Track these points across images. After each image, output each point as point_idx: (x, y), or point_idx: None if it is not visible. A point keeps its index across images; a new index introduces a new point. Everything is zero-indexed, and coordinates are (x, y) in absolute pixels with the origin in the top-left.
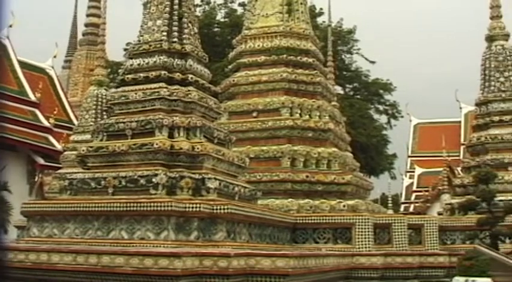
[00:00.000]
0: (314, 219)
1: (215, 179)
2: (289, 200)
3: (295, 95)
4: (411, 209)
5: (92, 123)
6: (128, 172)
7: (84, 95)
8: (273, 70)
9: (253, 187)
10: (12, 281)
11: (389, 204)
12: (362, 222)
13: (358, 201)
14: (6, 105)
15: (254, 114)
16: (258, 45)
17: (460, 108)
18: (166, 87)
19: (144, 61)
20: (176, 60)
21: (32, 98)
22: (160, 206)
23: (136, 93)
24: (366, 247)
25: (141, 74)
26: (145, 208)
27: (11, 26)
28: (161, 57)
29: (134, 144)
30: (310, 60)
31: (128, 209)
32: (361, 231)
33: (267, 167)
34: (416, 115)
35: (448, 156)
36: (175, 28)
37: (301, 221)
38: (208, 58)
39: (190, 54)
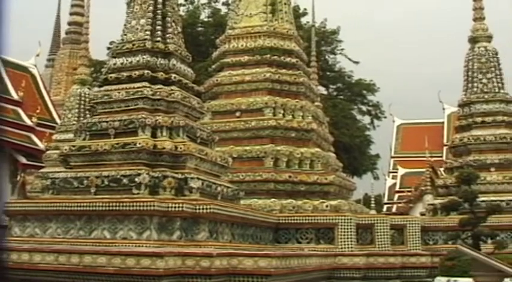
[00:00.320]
0: (297, 219)
1: (198, 178)
2: (272, 200)
3: (279, 95)
4: (394, 210)
5: (74, 122)
6: (110, 171)
7: (67, 94)
8: (257, 70)
9: (236, 187)
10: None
11: (372, 205)
12: (345, 222)
13: (340, 201)
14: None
15: (237, 114)
16: (242, 45)
17: (443, 109)
18: (149, 87)
19: (127, 60)
20: (159, 59)
21: (15, 96)
22: (143, 206)
23: (119, 93)
24: (348, 247)
25: (124, 73)
26: (127, 208)
27: None
28: (144, 57)
29: (117, 144)
30: (294, 60)
31: (111, 208)
32: (344, 232)
33: (249, 167)
34: (400, 116)
35: (431, 157)
36: (158, 27)
37: (283, 221)
38: (192, 58)
39: (174, 54)
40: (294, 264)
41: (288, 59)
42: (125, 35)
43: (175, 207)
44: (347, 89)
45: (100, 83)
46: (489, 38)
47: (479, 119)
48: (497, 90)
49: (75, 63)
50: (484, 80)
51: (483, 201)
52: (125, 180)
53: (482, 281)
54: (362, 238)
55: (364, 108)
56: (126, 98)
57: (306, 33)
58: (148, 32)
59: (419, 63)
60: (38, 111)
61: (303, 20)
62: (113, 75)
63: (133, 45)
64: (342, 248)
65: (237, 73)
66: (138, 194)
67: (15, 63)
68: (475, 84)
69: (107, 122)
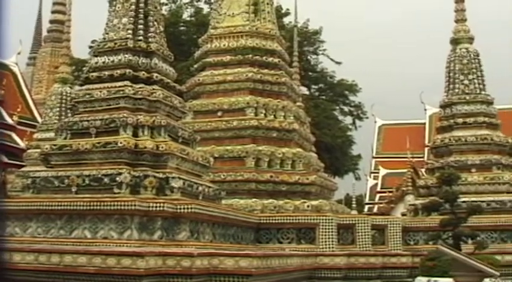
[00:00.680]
0: (278, 219)
1: (179, 178)
2: (253, 200)
3: (261, 95)
4: (375, 210)
5: (56, 121)
6: (91, 171)
7: (49, 92)
8: (239, 70)
9: (217, 187)
10: None
11: (354, 205)
12: (326, 222)
13: (322, 201)
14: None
15: (219, 113)
16: (224, 45)
17: (425, 110)
18: (131, 86)
19: (109, 59)
20: (141, 58)
21: None
22: (124, 205)
23: (100, 92)
24: (329, 247)
25: (106, 72)
26: (108, 207)
27: None
28: (126, 56)
29: (98, 143)
30: (276, 60)
31: (91, 208)
32: (325, 232)
33: (231, 167)
34: (382, 116)
35: (413, 157)
36: (140, 26)
37: (265, 221)
38: (174, 57)
39: (156, 53)
40: (275, 264)
41: (270, 59)
42: (107, 33)
43: (156, 206)
44: (329, 90)
45: (81, 82)
46: (471, 40)
47: (460, 120)
48: (478, 92)
49: (57, 61)
50: (466, 82)
51: (464, 201)
52: (106, 180)
53: (463, 281)
54: (343, 238)
55: (346, 108)
56: (108, 97)
57: (289, 34)
58: (130, 31)
59: (402, 64)
60: (19, 109)
61: (286, 20)
62: (95, 74)
63: (115, 44)
64: (323, 248)
65: (219, 73)
66: (119, 193)
67: None
68: (457, 86)
69: (88, 121)
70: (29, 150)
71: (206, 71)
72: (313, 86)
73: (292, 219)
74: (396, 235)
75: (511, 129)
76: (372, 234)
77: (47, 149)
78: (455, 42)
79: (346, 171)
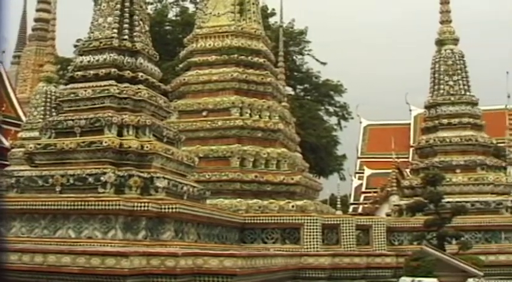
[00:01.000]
0: (262, 220)
1: (164, 178)
2: (238, 199)
3: (246, 95)
4: (360, 210)
5: (40, 120)
6: (76, 170)
7: (33, 91)
8: (224, 70)
9: (202, 187)
10: None
11: (338, 205)
12: (310, 222)
13: (306, 201)
14: None
15: (204, 113)
16: (209, 45)
17: (410, 110)
18: (116, 85)
19: (94, 58)
20: (126, 58)
21: None
22: (108, 205)
23: (85, 91)
24: (314, 247)
25: (91, 71)
26: (93, 207)
27: None
28: (111, 55)
29: (83, 142)
30: (261, 60)
31: (76, 207)
32: (310, 232)
33: (216, 167)
34: (367, 117)
35: (397, 158)
36: (126, 25)
37: (249, 221)
38: (159, 56)
39: (141, 52)
40: (259, 264)
41: (255, 59)
42: (92, 32)
43: (140, 206)
44: (314, 90)
45: (66, 81)
46: (456, 41)
47: (445, 121)
48: (463, 93)
49: (42, 60)
50: (451, 82)
51: (448, 202)
52: (90, 179)
53: (447, 281)
54: (328, 238)
55: (331, 109)
56: (93, 96)
57: (274, 34)
58: (115, 30)
59: (387, 64)
60: (3, 108)
61: (271, 20)
62: (80, 73)
63: (100, 43)
64: (307, 248)
65: (204, 72)
66: (103, 193)
67: None
68: (442, 87)
69: (72, 120)
70: (13, 150)
71: (191, 70)
72: (298, 86)
73: (277, 219)
74: (381, 235)
75: (495, 130)
76: (357, 234)
77: (31, 148)
78: (440, 43)
79: (331, 172)
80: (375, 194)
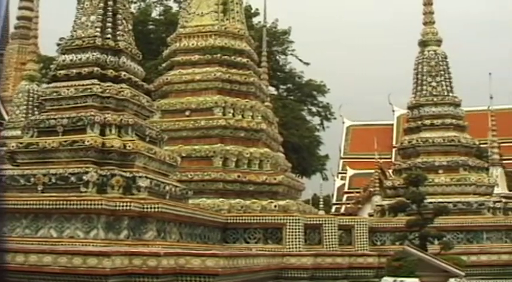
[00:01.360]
0: (245, 219)
1: (146, 177)
2: (221, 199)
3: (229, 94)
4: (342, 210)
5: (22, 119)
6: (58, 169)
7: (16, 90)
8: (207, 69)
9: (184, 186)
10: None
11: (321, 205)
12: (293, 222)
13: (289, 201)
14: None
15: (187, 113)
16: (193, 44)
17: (393, 111)
18: (98, 84)
19: (76, 57)
20: (109, 57)
21: None
22: (90, 204)
23: (68, 90)
24: (296, 247)
25: (74, 70)
26: (75, 206)
27: None
28: (94, 54)
29: (65, 141)
30: (245, 60)
31: (58, 207)
32: (292, 232)
33: (198, 166)
34: (350, 117)
35: (380, 158)
36: (109, 24)
37: (232, 221)
38: (143, 56)
39: (124, 51)
40: (241, 264)
41: (238, 59)
42: (75, 31)
43: (123, 206)
44: (297, 90)
45: (49, 80)
46: (439, 42)
47: (428, 122)
48: (446, 94)
49: (24, 58)
50: (434, 83)
51: (430, 202)
52: (72, 178)
53: (428, 281)
54: (310, 238)
55: (314, 109)
56: (75, 95)
57: (257, 33)
58: (98, 29)
59: (370, 65)
60: None
61: (255, 20)
62: (62, 71)
63: (83, 41)
64: (289, 248)
65: (188, 72)
66: (85, 192)
67: None
68: (425, 87)
69: (55, 119)
70: None
71: (174, 70)
72: (281, 86)
73: (259, 219)
74: (363, 235)
75: (478, 131)
76: (339, 234)
77: (13, 147)
78: (423, 44)
79: (313, 172)
80: (358, 194)
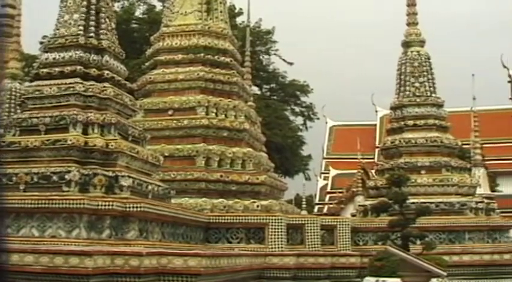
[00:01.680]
0: (227, 219)
1: (129, 176)
2: (203, 199)
3: (212, 94)
4: (325, 210)
5: (5, 117)
6: (40, 168)
7: None
8: (190, 69)
9: (167, 186)
10: None
11: (303, 205)
12: (275, 222)
13: (271, 201)
14: None
15: (170, 112)
16: (176, 43)
17: (376, 111)
18: (81, 83)
19: (59, 55)
20: (92, 55)
21: None
22: (73, 204)
23: (50, 88)
24: (278, 247)
25: (56, 69)
26: (57, 205)
27: None
28: (77, 52)
29: (47, 140)
30: (228, 59)
31: (40, 206)
32: (274, 232)
33: (181, 166)
34: (334, 117)
35: (363, 158)
36: (92, 23)
37: (214, 221)
38: (126, 54)
39: (107, 50)
40: (223, 264)
41: (222, 59)
42: (58, 29)
43: (105, 205)
44: (280, 90)
45: (31, 78)
46: (422, 43)
47: (411, 122)
48: (429, 94)
49: (7, 56)
50: (417, 84)
51: (413, 203)
52: (54, 178)
53: (410, 281)
54: (292, 238)
55: (297, 109)
56: (58, 93)
57: (241, 33)
58: (81, 27)
59: (354, 65)
60: None
61: (239, 19)
62: (45, 70)
63: (66, 40)
64: (272, 248)
65: (171, 71)
66: (67, 191)
67: None
68: (408, 88)
69: (37, 117)
70: None
71: (158, 69)
72: (264, 86)
73: (242, 219)
74: (345, 235)
75: (460, 132)
76: (321, 234)
77: None
78: (406, 45)
79: (296, 172)
80: (340, 195)
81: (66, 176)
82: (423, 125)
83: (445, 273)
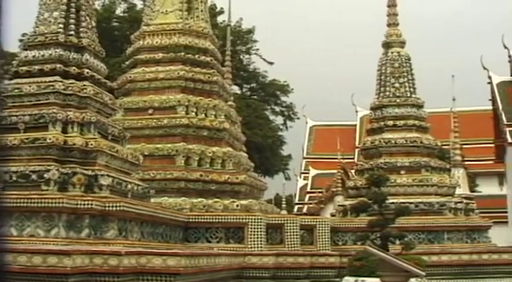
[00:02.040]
0: (207, 219)
1: (108, 176)
2: (183, 198)
3: (192, 93)
4: (305, 210)
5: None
6: (19, 167)
7: None
8: (170, 68)
9: (146, 185)
10: None
11: (283, 205)
12: (255, 222)
13: (251, 201)
14: None
15: (150, 111)
16: (156, 42)
17: (356, 111)
18: (61, 81)
19: (39, 53)
20: (72, 53)
21: None
22: (52, 203)
23: (30, 86)
24: (258, 247)
25: (36, 67)
26: (35, 204)
27: None
28: (57, 50)
29: (27, 139)
30: (208, 59)
31: (18, 205)
32: (254, 231)
33: (161, 165)
34: (314, 118)
35: (343, 158)
36: (72, 21)
37: (193, 220)
38: (106, 53)
39: (87, 49)
40: (203, 264)
41: (202, 58)
42: (37, 27)
43: (84, 204)
44: (261, 89)
45: (11, 76)
46: (402, 44)
47: (390, 123)
48: (409, 95)
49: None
50: (397, 85)
51: (392, 203)
52: (33, 176)
53: (389, 280)
54: (272, 238)
55: (277, 108)
56: (37, 92)
57: (222, 32)
58: (61, 25)
59: (334, 65)
60: None
61: (219, 18)
62: (24, 68)
63: (46, 38)
64: (251, 248)
65: (151, 70)
66: (46, 190)
67: None
68: (388, 89)
69: (16, 116)
70: None
71: (138, 68)
72: (245, 86)
73: (221, 219)
74: (325, 235)
75: (440, 132)
76: (301, 234)
77: None
78: (387, 45)
79: (276, 171)
80: (320, 194)
81: (45, 175)
82: (403, 126)
83: (423, 273)
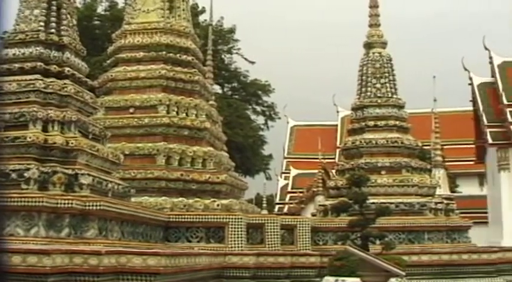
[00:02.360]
0: (187, 218)
1: (88, 175)
2: (163, 198)
3: (173, 92)
4: (285, 210)
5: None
6: None
7: None
8: (152, 67)
9: (127, 184)
10: None
11: (264, 205)
12: (235, 221)
13: (232, 200)
14: None
15: (131, 110)
16: (138, 41)
17: (337, 112)
18: (42, 80)
19: (19, 51)
20: (53, 52)
21: None
22: (31, 202)
23: (10, 84)
24: (238, 246)
25: (16, 65)
26: (15, 203)
27: None
28: (38, 48)
29: (6, 137)
30: (190, 58)
31: None
32: (234, 231)
33: (141, 165)
34: (295, 117)
35: (324, 158)
36: (53, 19)
37: (174, 220)
38: (87, 51)
39: (68, 47)
40: (183, 263)
41: (183, 57)
42: (18, 25)
43: (64, 203)
44: (242, 89)
45: None
46: (384, 44)
47: (371, 123)
48: (390, 95)
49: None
50: (378, 85)
51: (373, 203)
52: (13, 175)
53: (369, 280)
54: (252, 238)
55: (258, 108)
56: (18, 90)
57: (203, 31)
58: (42, 23)
59: (316, 65)
60: None
61: (201, 18)
62: (4, 66)
63: (27, 36)
64: (232, 247)
65: (132, 69)
66: (26, 189)
67: None
68: (369, 89)
69: None
70: None
71: (119, 66)
72: (226, 85)
73: (202, 218)
74: (305, 235)
75: (421, 133)
76: (281, 234)
77: None
78: (368, 46)
79: (257, 171)
80: (301, 194)
81: (25, 174)
82: (384, 126)
83: (403, 273)
